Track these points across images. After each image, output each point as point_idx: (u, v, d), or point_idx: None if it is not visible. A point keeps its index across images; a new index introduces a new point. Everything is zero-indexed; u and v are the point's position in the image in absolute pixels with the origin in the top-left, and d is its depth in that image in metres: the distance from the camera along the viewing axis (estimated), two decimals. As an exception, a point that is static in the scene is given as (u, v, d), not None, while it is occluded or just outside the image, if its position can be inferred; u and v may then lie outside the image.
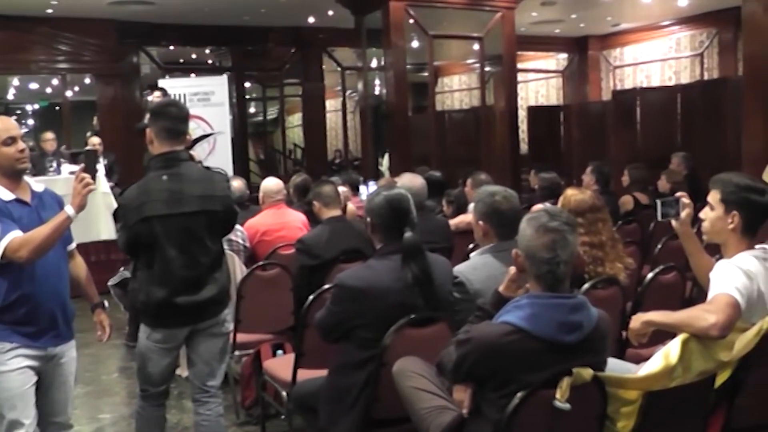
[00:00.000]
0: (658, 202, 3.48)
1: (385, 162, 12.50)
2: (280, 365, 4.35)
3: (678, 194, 3.47)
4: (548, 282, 2.59)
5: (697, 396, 2.85)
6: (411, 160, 9.58)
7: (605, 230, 4.08)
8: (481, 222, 3.57)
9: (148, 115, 3.77)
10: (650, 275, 4.31)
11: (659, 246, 5.54)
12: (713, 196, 3.14)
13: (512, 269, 2.82)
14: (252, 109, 16.95)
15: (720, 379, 2.88)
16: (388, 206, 3.41)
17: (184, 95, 11.12)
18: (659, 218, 3.48)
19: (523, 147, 13.93)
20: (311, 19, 12.77)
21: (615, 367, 2.98)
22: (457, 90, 17.92)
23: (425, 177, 5.97)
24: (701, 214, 3.23)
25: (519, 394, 2.46)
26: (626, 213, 7.33)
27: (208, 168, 3.90)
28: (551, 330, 2.51)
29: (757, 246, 3.12)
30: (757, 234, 3.15)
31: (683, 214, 3.39)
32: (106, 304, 3.75)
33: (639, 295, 4.24)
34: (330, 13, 11.69)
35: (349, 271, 3.48)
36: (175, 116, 3.66)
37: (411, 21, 9.96)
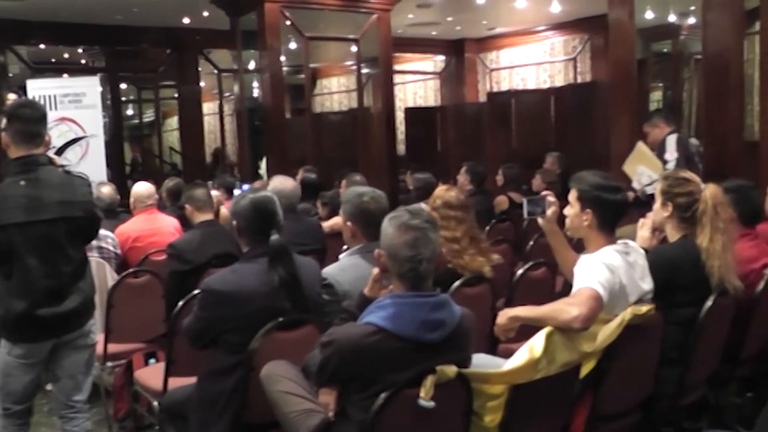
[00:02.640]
0: (524, 200, 3.57)
1: (263, 165, 12.37)
2: (151, 374, 4.24)
3: (544, 193, 3.56)
4: (411, 280, 2.59)
5: (562, 387, 2.92)
6: (289, 163, 9.50)
7: (460, 228, 4.11)
8: (349, 223, 3.58)
9: (3, 120, 3.60)
10: (520, 271, 4.40)
11: (531, 243, 5.68)
12: (572, 194, 3.26)
13: (375, 270, 2.82)
14: (130, 112, 16.52)
15: (585, 370, 2.97)
16: (253, 209, 3.37)
17: (54, 96, 10.65)
18: (525, 216, 3.57)
19: (401, 148, 14.03)
20: (186, 20, 12.50)
21: (485, 362, 3.03)
22: (336, 92, 17.86)
23: (300, 179, 5.93)
24: (565, 211, 3.33)
25: (383, 395, 2.45)
26: (502, 212, 7.48)
27: (68, 172, 3.74)
28: (413, 329, 2.51)
29: (619, 241, 3.23)
30: (615, 229, 3.25)
31: (549, 211, 3.47)
32: None
33: (510, 291, 4.32)
34: (205, 14, 11.47)
35: (215, 276, 3.41)
36: (29, 118, 3.51)
37: (287, 23, 9.88)
